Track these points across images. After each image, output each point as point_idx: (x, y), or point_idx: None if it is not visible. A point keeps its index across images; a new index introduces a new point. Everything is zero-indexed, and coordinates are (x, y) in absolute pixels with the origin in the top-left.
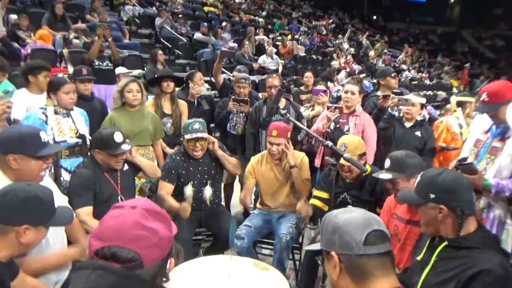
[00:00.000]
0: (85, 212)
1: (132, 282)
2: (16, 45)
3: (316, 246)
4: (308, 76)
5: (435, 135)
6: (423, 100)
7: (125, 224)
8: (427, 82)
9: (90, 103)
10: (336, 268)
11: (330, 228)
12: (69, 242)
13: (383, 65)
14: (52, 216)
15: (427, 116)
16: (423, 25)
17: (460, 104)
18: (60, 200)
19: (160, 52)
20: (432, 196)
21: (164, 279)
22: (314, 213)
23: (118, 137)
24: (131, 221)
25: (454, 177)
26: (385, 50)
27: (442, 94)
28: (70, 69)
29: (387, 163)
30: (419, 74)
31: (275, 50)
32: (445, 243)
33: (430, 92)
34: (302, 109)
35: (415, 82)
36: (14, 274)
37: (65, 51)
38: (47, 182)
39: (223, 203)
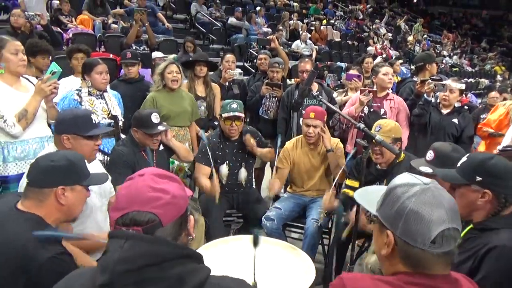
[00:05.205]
0: None
1: (162, 247)
2: (58, 29)
3: (370, 206)
4: (368, 62)
5: (494, 115)
6: (462, 86)
7: (136, 190)
8: (469, 69)
9: (134, 86)
10: (388, 247)
11: (396, 208)
12: None
13: (421, 50)
14: (86, 177)
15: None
16: (467, 9)
17: None
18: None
19: (188, 44)
20: (478, 178)
21: (190, 237)
22: (345, 203)
23: (155, 117)
24: (141, 186)
25: (505, 164)
26: (425, 35)
27: (484, 81)
28: None
29: (430, 155)
30: (461, 60)
31: (309, 35)
32: (471, 226)
33: (471, 80)
34: (334, 94)
35: (456, 68)
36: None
37: None
38: (95, 163)
39: (254, 186)
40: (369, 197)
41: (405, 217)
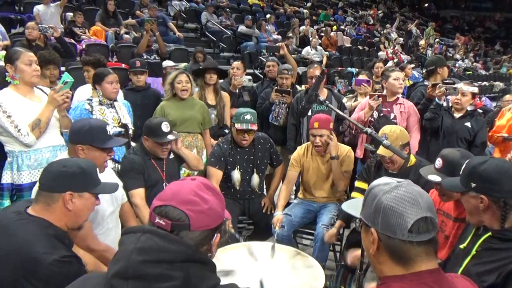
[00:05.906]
0: (139, 194)
1: (178, 245)
2: (72, 40)
3: (355, 211)
4: (379, 67)
5: (503, 121)
6: (475, 89)
7: (182, 189)
8: (483, 72)
9: (142, 94)
10: (374, 244)
11: (374, 205)
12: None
13: (433, 54)
14: (96, 185)
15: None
16: (479, 12)
17: None
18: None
19: (198, 54)
20: (473, 185)
21: (210, 254)
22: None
23: (165, 126)
24: (188, 188)
25: (497, 167)
26: (437, 39)
27: (499, 84)
28: None
29: (439, 162)
30: (474, 63)
31: (319, 41)
32: (489, 233)
33: (486, 83)
34: (344, 99)
35: (469, 72)
36: (71, 243)
37: None
38: (107, 171)
39: (265, 192)
40: (356, 206)
41: (383, 212)
